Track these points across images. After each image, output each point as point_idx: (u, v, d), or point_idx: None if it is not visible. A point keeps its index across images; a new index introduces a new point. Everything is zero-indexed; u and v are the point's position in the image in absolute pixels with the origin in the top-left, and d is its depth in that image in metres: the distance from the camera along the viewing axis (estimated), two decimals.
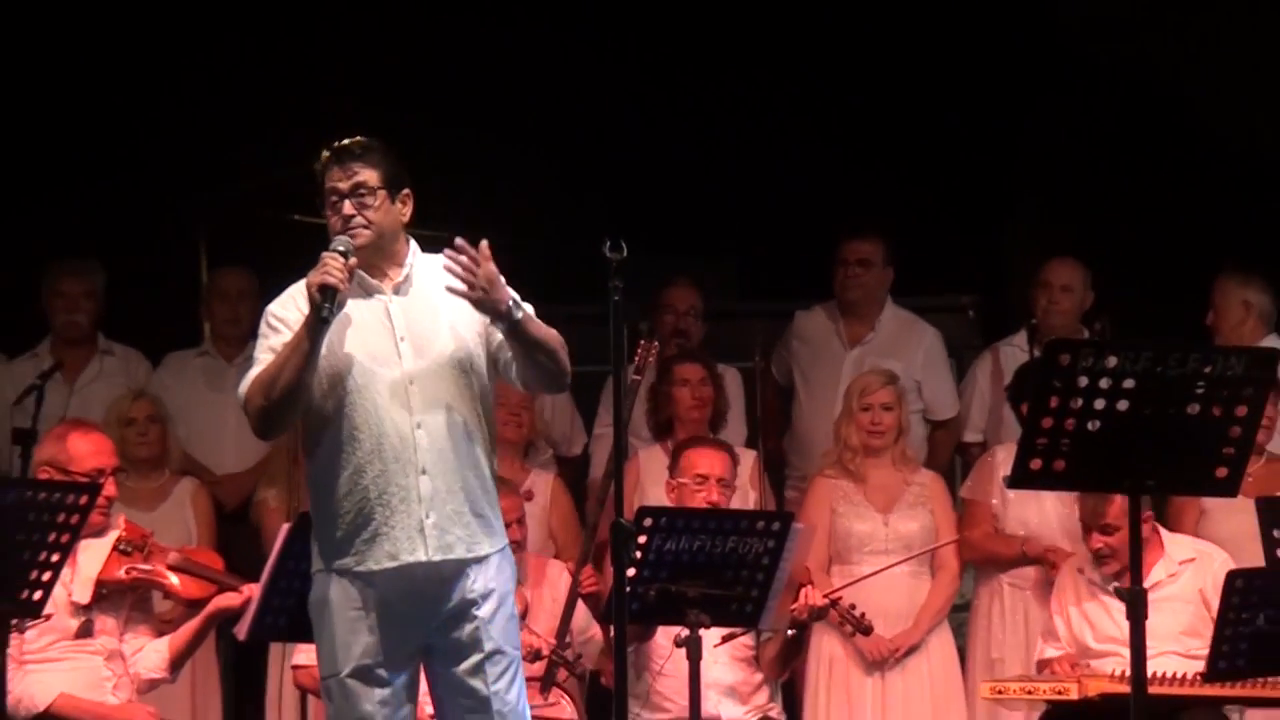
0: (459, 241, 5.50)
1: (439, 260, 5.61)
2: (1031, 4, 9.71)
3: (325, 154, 5.66)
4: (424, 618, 5.59)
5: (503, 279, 5.54)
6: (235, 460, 8.50)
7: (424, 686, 5.74)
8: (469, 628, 5.59)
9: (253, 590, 6.83)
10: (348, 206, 5.57)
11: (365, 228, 5.57)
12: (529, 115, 9.58)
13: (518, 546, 7.07)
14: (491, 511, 5.66)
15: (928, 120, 9.74)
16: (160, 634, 7.16)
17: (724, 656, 7.38)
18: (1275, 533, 6.17)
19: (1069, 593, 7.55)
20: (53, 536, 6.36)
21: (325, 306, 5.43)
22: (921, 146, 9.71)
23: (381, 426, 5.56)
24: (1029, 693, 7.26)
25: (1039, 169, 9.75)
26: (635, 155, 9.63)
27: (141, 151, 9.30)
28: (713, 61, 9.82)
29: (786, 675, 7.75)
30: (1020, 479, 5.84)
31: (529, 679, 6.21)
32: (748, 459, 8.25)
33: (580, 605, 7.50)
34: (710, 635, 6.90)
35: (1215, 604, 6.77)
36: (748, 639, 7.41)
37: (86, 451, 7.02)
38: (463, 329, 5.58)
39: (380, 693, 5.57)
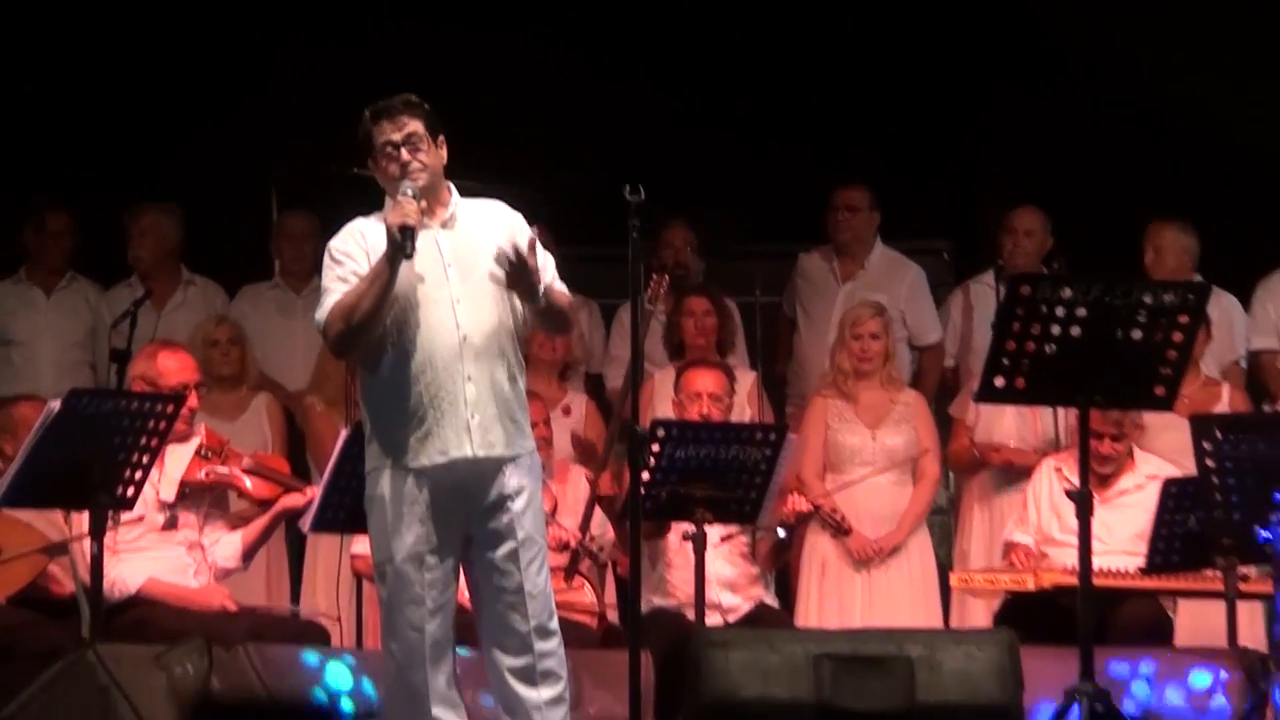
0: (507, 249, 5.76)
1: (478, 204, 5.95)
2: None
3: (369, 113, 5.88)
4: (466, 509, 5.80)
5: (542, 261, 5.82)
6: (304, 378, 8.67)
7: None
8: (505, 519, 5.81)
9: (314, 492, 7.20)
10: (404, 154, 5.80)
11: (422, 170, 5.81)
12: (560, 86, 9.65)
13: (545, 443, 7.27)
14: (524, 417, 5.89)
15: (912, 86, 9.83)
16: (234, 528, 7.46)
17: (725, 553, 7.65)
18: (1205, 445, 6.30)
19: (1043, 485, 7.82)
20: (143, 441, 6.75)
21: (407, 244, 5.68)
22: (906, 110, 9.83)
23: (433, 340, 5.77)
24: (991, 583, 7.53)
25: (1007, 130, 9.78)
26: (661, 117, 9.72)
27: (227, 117, 9.58)
28: (726, 46, 9.90)
29: (777, 570, 7.98)
30: (986, 394, 6.22)
31: (553, 568, 6.29)
32: (747, 379, 8.58)
33: (596, 508, 7.68)
34: (713, 535, 7.31)
35: None
36: (745, 537, 7.68)
37: (173, 368, 7.33)
38: (499, 264, 5.82)
39: (429, 576, 5.75)
